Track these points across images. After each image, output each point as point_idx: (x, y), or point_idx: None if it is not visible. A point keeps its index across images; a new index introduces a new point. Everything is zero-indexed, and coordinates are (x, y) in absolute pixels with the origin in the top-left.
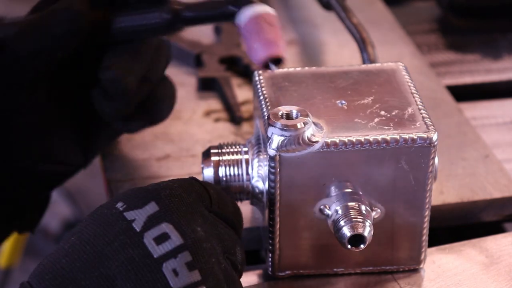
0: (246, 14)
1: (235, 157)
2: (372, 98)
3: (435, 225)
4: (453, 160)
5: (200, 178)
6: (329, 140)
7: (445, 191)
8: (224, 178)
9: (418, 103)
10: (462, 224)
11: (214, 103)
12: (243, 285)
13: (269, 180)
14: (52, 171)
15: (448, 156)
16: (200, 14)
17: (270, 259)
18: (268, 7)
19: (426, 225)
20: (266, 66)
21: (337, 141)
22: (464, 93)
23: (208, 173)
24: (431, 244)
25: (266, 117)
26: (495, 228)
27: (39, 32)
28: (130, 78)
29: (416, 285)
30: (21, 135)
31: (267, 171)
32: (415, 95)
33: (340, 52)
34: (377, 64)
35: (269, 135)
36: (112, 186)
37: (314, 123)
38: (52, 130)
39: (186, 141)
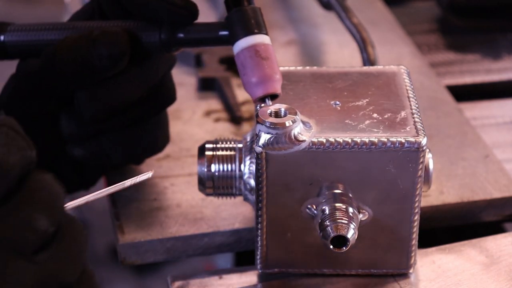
0: (240, 45)
1: (228, 153)
2: (367, 100)
3: (435, 225)
4: (453, 160)
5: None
6: (316, 140)
7: (445, 191)
8: (217, 174)
9: (413, 107)
10: (462, 224)
11: (214, 103)
12: (242, 285)
13: (256, 177)
14: None
15: (448, 156)
16: (195, 36)
17: (258, 255)
18: (264, 37)
19: (415, 229)
20: (262, 100)
21: (324, 141)
22: (464, 93)
23: (201, 168)
24: (431, 244)
25: (255, 115)
26: (495, 228)
27: (85, 51)
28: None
29: (416, 285)
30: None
31: None
32: (411, 99)
33: (340, 52)
34: (379, 67)
35: (257, 132)
36: None
37: (303, 122)
38: None
39: (186, 141)
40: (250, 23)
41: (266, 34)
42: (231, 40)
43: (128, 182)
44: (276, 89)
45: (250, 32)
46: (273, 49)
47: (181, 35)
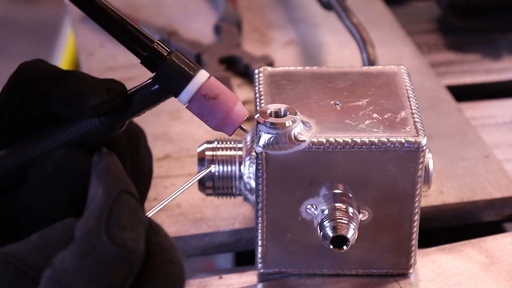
0: (185, 97)
1: (228, 153)
2: (367, 100)
3: (435, 225)
4: (453, 160)
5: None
6: (316, 140)
7: (445, 191)
8: (217, 174)
9: (413, 107)
10: (462, 224)
11: None
12: (242, 285)
13: (256, 177)
14: None
15: (448, 156)
16: (135, 108)
17: (257, 255)
18: (201, 73)
19: (415, 229)
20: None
21: (324, 141)
22: (464, 93)
23: (201, 168)
24: (431, 244)
25: (255, 115)
26: (495, 228)
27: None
28: None
29: (416, 285)
30: None
31: None
32: (411, 99)
33: (340, 52)
34: (379, 67)
35: (257, 132)
36: None
37: (303, 122)
38: None
39: (186, 141)
40: (184, 71)
41: (199, 68)
42: (172, 94)
43: (192, 180)
44: (244, 114)
45: (188, 79)
46: (213, 77)
47: (121, 113)
